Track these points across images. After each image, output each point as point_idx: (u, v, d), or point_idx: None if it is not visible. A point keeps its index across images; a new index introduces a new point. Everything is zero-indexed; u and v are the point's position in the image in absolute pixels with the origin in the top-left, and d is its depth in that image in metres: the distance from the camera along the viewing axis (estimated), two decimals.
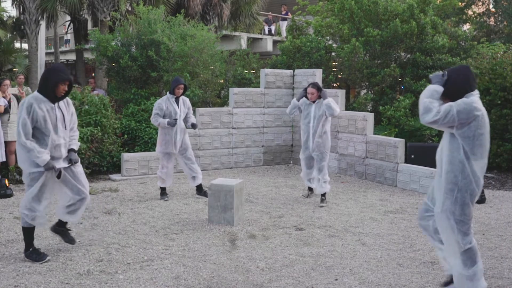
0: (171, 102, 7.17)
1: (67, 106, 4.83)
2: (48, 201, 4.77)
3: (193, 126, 7.38)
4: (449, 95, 3.73)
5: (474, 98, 3.67)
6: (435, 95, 3.73)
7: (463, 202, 3.69)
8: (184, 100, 7.34)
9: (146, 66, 11.14)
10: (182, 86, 7.15)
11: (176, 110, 7.17)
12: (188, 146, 7.35)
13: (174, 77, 7.43)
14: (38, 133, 4.58)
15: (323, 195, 7.18)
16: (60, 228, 5.02)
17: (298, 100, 7.20)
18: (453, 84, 3.72)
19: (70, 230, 5.14)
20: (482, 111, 3.66)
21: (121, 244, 5.24)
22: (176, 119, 7.14)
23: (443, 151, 3.81)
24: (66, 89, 4.66)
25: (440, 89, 3.74)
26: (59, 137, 4.68)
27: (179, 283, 4.30)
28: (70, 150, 4.82)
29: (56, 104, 4.67)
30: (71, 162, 4.76)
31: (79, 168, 4.87)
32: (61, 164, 4.70)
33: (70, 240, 5.03)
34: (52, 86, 4.57)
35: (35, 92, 4.65)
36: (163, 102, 7.15)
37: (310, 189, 7.56)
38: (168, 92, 7.23)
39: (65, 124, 4.73)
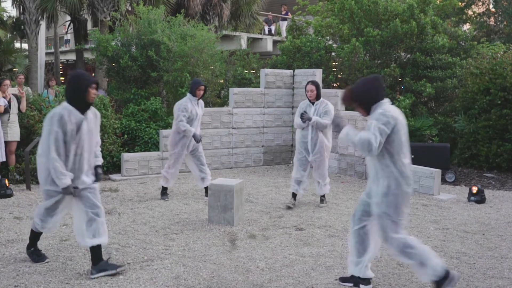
0: (194, 103, 7.07)
1: (95, 119, 4.54)
2: (63, 214, 4.64)
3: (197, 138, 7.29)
4: (362, 106, 4.06)
5: (386, 107, 3.97)
6: (353, 132, 3.97)
7: (396, 204, 3.94)
8: (201, 103, 7.25)
9: (146, 66, 11.14)
10: (203, 87, 7.07)
11: (198, 112, 7.10)
12: (198, 145, 7.26)
13: (193, 79, 7.34)
14: (64, 146, 4.34)
15: (323, 196, 7.15)
16: (102, 262, 4.45)
17: (304, 122, 6.74)
18: (362, 97, 4.03)
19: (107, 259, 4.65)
20: (397, 113, 3.97)
21: (121, 244, 5.24)
22: (201, 137, 7.14)
23: (373, 160, 4.03)
24: (96, 92, 4.43)
25: (352, 131, 3.99)
26: (84, 150, 4.40)
27: (179, 283, 4.30)
28: (96, 167, 4.59)
29: (84, 115, 4.40)
30: (98, 178, 4.53)
31: (96, 184, 4.57)
32: (84, 182, 4.41)
33: (118, 266, 4.51)
34: (83, 92, 4.32)
35: (65, 103, 4.36)
36: (188, 103, 7.02)
37: (294, 196, 7.09)
38: (188, 93, 7.12)
39: (92, 137, 4.47)
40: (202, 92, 7.09)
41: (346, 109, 10.39)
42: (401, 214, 3.96)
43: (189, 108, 7.00)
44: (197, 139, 7.04)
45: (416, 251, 3.91)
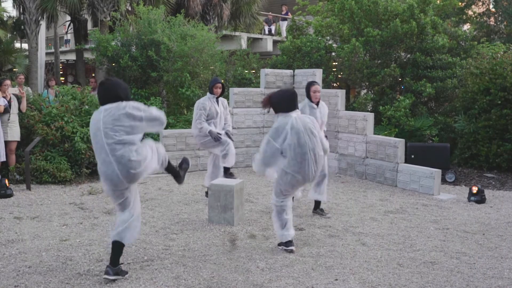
0: (213, 102, 6.99)
1: None
2: None
3: (228, 135, 7.16)
4: (274, 110, 5.11)
5: (286, 119, 4.95)
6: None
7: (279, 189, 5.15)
8: (223, 102, 7.16)
9: (146, 66, 11.14)
10: (219, 85, 7.00)
11: (217, 110, 7.00)
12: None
13: (213, 77, 7.29)
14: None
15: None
16: (120, 266, 4.43)
17: None
18: (275, 104, 5.08)
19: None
20: (293, 125, 4.91)
21: None
22: (220, 135, 6.94)
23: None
24: None
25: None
26: None
27: (179, 283, 4.30)
28: None
29: None
30: None
31: None
32: None
33: (126, 273, 4.47)
34: None
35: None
36: (206, 101, 6.95)
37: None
38: (208, 92, 7.08)
39: None
40: (219, 90, 7.01)
41: (346, 109, 10.40)
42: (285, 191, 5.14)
43: (207, 106, 6.92)
44: (214, 136, 6.88)
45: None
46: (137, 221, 4.42)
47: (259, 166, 5.10)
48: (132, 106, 4.21)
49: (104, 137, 4.15)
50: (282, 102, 5.06)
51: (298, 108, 5.14)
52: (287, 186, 5.08)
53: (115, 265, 4.31)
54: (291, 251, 5.11)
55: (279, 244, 5.24)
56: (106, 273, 4.27)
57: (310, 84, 6.54)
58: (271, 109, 5.20)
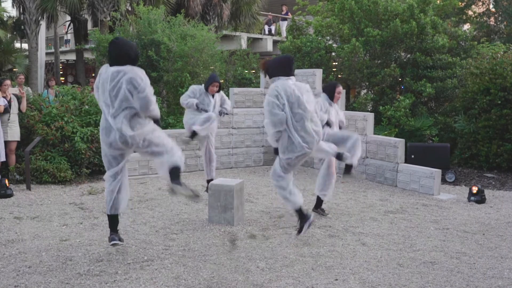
0: (206, 94, 7.01)
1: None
2: None
3: (224, 113, 7.22)
4: (268, 75, 5.25)
5: (278, 82, 5.11)
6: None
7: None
8: (221, 96, 7.18)
9: (146, 66, 11.13)
10: (216, 84, 7.00)
11: (211, 100, 7.00)
12: (213, 130, 7.32)
13: (210, 74, 7.35)
14: None
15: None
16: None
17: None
18: (270, 68, 5.20)
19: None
20: (291, 89, 5.04)
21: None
22: (206, 111, 6.99)
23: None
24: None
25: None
26: None
27: (179, 283, 4.30)
28: None
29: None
30: None
31: None
32: None
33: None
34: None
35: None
36: (198, 89, 6.99)
37: None
38: (203, 87, 7.11)
39: None
40: (215, 89, 7.02)
41: (346, 109, 10.40)
42: (288, 164, 5.23)
43: (197, 92, 6.97)
44: (201, 107, 6.94)
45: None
46: (125, 193, 4.72)
47: (272, 139, 5.21)
48: (136, 75, 4.48)
49: (110, 100, 4.44)
50: (279, 66, 5.11)
51: (294, 75, 5.25)
52: (291, 154, 5.14)
53: (117, 232, 4.80)
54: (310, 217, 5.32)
55: (301, 225, 5.29)
56: (112, 239, 4.68)
57: (335, 85, 6.54)
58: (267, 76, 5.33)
